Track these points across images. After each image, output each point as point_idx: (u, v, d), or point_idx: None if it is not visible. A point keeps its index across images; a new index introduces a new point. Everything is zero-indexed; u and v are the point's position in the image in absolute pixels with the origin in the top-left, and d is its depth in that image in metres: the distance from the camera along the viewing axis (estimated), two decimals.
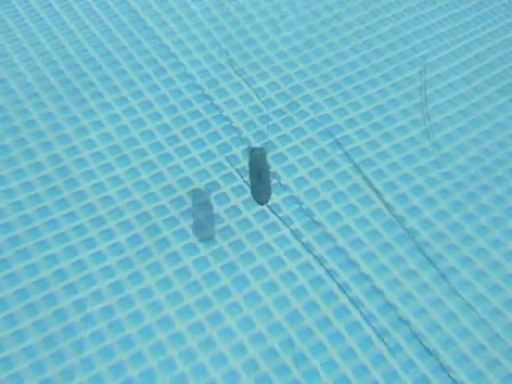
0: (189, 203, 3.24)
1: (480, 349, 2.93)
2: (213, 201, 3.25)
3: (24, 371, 2.78)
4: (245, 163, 3.37)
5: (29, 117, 3.49)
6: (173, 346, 2.89)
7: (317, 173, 3.36)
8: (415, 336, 2.95)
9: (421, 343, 2.93)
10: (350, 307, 3.01)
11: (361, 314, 2.99)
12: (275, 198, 3.27)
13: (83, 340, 2.87)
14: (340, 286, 3.06)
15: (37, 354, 2.84)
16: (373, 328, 2.96)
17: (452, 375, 2.86)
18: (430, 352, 2.91)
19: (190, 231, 3.16)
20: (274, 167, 3.35)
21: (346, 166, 3.39)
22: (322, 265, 3.11)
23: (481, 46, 3.82)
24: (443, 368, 2.88)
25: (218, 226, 3.19)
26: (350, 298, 3.03)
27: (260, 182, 3.05)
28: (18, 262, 3.05)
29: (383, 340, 2.94)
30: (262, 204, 3.04)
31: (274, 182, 3.32)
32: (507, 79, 3.68)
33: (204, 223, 3.18)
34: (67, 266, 3.05)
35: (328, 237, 3.18)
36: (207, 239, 3.14)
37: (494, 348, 2.93)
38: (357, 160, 3.40)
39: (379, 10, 3.95)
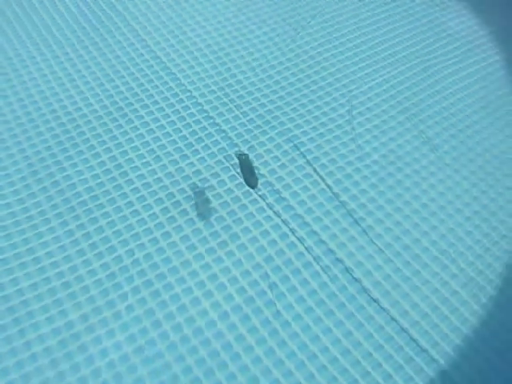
0: (200, 186, 3.25)
1: (387, 277, 2.96)
2: (215, 184, 3.25)
3: (95, 296, 2.81)
4: (236, 160, 3.36)
5: (94, 132, 3.48)
6: (191, 278, 2.91)
7: (283, 166, 3.36)
8: (346, 269, 2.98)
9: (350, 274, 2.96)
10: (305, 252, 3.03)
11: (312, 256, 3.01)
12: None
13: (144, 270, 2.89)
14: (298, 239, 3.07)
15: (105, 283, 2.86)
16: (320, 266, 2.98)
17: (370, 294, 2.90)
18: (355, 279, 2.94)
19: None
20: (255, 162, 3.35)
21: (301, 161, 3.39)
22: (286, 225, 3.12)
23: (387, 84, 3.82)
24: (364, 290, 2.91)
25: (219, 201, 3.19)
26: (305, 247, 3.05)
27: (251, 175, 3.07)
28: (91, 225, 3.07)
29: (326, 273, 2.96)
30: (253, 188, 3.09)
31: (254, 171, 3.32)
32: (404, 105, 3.70)
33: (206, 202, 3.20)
34: (123, 227, 3.06)
35: (290, 207, 3.19)
36: (209, 212, 3.15)
37: (396, 276, 2.97)
38: (308, 157, 3.40)
39: (320, 61, 3.94)
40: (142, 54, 3.91)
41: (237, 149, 3.41)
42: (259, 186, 3.24)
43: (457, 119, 3.64)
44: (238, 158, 3.13)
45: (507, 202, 3.26)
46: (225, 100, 3.66)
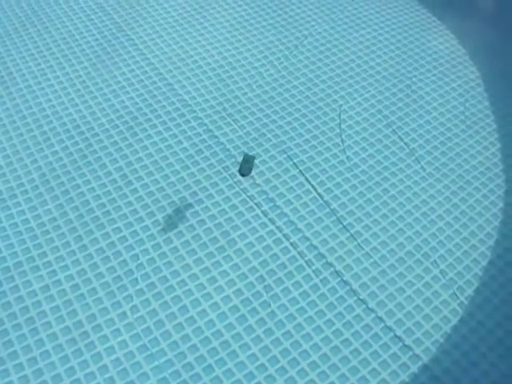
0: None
1: (374, 280, 2.99)
2: (214, 193, 3.28)
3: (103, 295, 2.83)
4: (234, 170, 3.39)
5: (103, 143, 3.51)
6: (191, 281, 2.94)
7: (277, 176, 3.40)
8: (336, 273, 3.01)
9: (340, 277, 2.99)
10: (298, 257, 3.06)
11: (304, 261, 3.04)
12: (251, 191, 3.30)
13: (148, 273, 2.92)
14: (291, 244, 3.10)
15: (111, 286, 2.88)
16: (311, 269, 3.01)
17: (359, 296, 2.93)
18: (345, 282, 2.97)
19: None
20: (251, 172, 3.37)
21: (294, 172, 3.42)
22: (280, 231, 3.15)
23: (374, 99, 3.86)
24: (353, 291, 2.94)
25: (218, 209, 3.22)
26: (297, 251, 3.08)
27: (248, 169, 3.21)
28: (98, 231, 3.09)
29: (318, 276, 2.99)
30: (244, 176, 3.32)
31: (250, 181, 3.34)
32: (390, 119, 3.72)
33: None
34: (128, 233, 3.09)
35: (284, 214, 3.22)
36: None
37: (382, 279, 2.99)
38: (301, 167, 3.44)
39: (312, 78, 3.97)
40: (146, 72, 3.94)
41: (234, 160, 3.43)
42: (254, 193, 3.27)
43: (438, 132, 3.67)
44: (246, 155, 3.31)
45: (485, 209, 3.30)
46: (223, 114, 3.70)
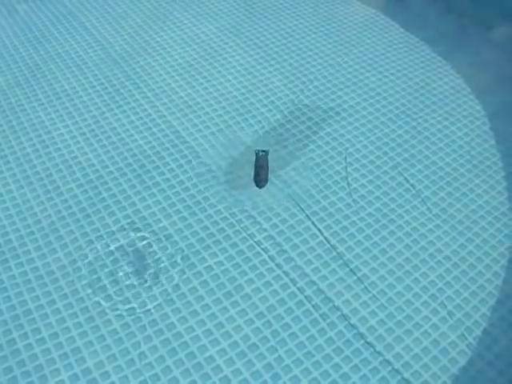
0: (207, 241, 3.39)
1: (382, 323, 3.08)
2: (221, 239, 3.40)
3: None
4: (241, 216, 3.51)
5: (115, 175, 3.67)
6: (199, 327, 3.04)
7: (284, 221, 3.52)
8: (344, 316, 3.10)
9: (347, 321, 3.08)
10: (305, 301, 3.16)
11: (311, 305, 3.14)
12: (258, 236, 3.42)
13: (155, 319, 3.03)
14: (298, 289, 3.21)
15: (120, 332, 2.99)
16: (318, 313, 3.11)
17: (366, 339, 3.02)
18: (352, 325, 3.06)
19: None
20: (258, 218, 3.51)
21: (301, 216, 3.54)
22: (287, 276, 3.26)
23: (379, 141, 4.02)
24: (360, 335, 3.03)
25: (225, 255, 3.34)
26: (304, 296, 3.18)
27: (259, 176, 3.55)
28: (106, 278, 3.22)
29: (325, 320, 3.09)
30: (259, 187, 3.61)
31: (258, 226, 3.46)
32: (395, 160, 3.87)
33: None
34: (135, 280, 3.22)
35: (291, 259, 3.33)
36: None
37: (390, 321, 3.08)
38: (308, 212, 3.56)
39: (318, 122, 4.12)
40: (154, 120, 4.14)
41: (240, 207, 3.56)
42: (261, 239, 3.40)
43: (444, 172, 3.80)
44: (257, 154, 3.66)
45: (492, 249, 3.39)
46: (230, 161, 3.85)
